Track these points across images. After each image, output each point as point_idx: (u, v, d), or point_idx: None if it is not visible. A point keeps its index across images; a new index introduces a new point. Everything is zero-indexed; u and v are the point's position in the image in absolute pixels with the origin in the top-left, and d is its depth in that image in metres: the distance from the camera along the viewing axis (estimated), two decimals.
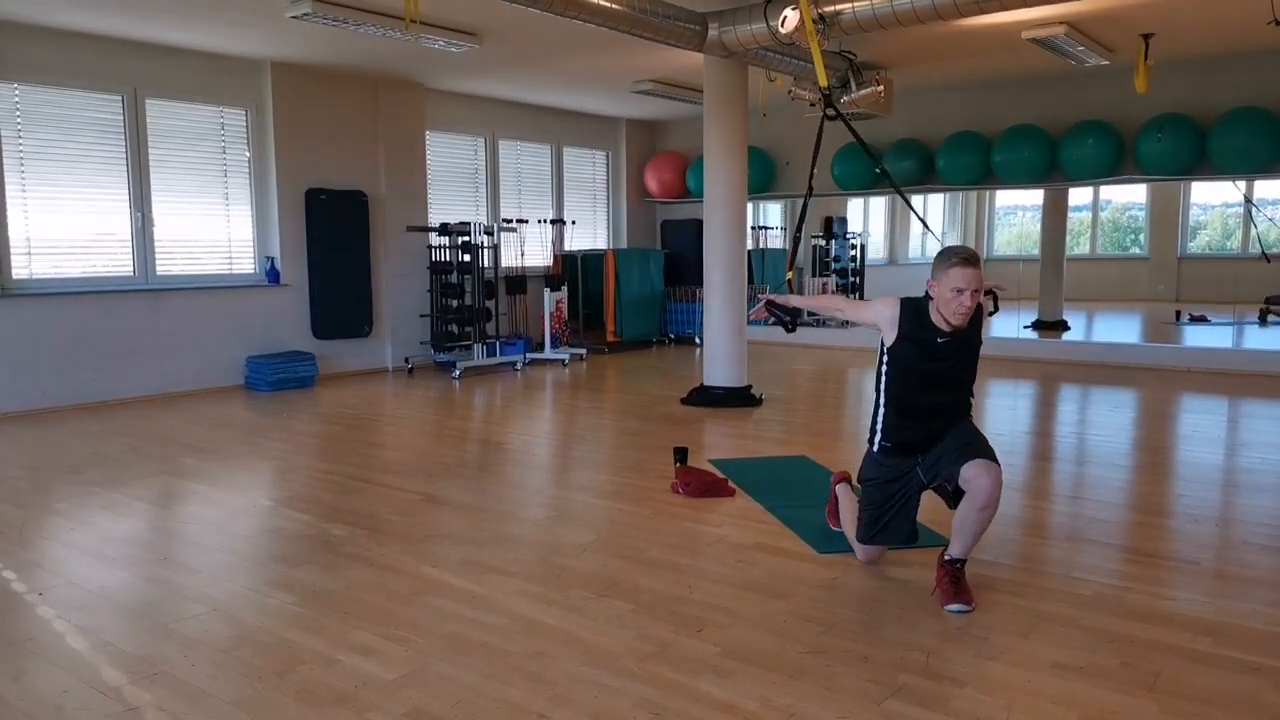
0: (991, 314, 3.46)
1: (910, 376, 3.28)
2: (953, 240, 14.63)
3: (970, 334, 3.24)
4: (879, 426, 3.37)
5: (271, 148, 8.12)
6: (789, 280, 4.12)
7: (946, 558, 3.18)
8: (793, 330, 3.88)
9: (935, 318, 3.19)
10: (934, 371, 3.25)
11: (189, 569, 3.54)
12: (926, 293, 3.22)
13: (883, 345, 3.34)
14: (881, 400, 3.36)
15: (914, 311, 3.24)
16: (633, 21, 5.87)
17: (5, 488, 4.75)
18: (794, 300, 3.89)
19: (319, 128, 8.42)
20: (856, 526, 3.45)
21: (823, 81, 5.64)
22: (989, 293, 3.40)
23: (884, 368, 3.34)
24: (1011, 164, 9.11)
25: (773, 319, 3.80)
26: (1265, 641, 2.79)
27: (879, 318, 3.32)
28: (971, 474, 3.08)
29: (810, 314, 11.45)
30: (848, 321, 3.59)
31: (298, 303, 8.39)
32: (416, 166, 9.23)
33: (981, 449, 3.16)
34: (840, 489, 3.82)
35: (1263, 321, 10.59)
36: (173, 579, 3.43)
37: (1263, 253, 10.73)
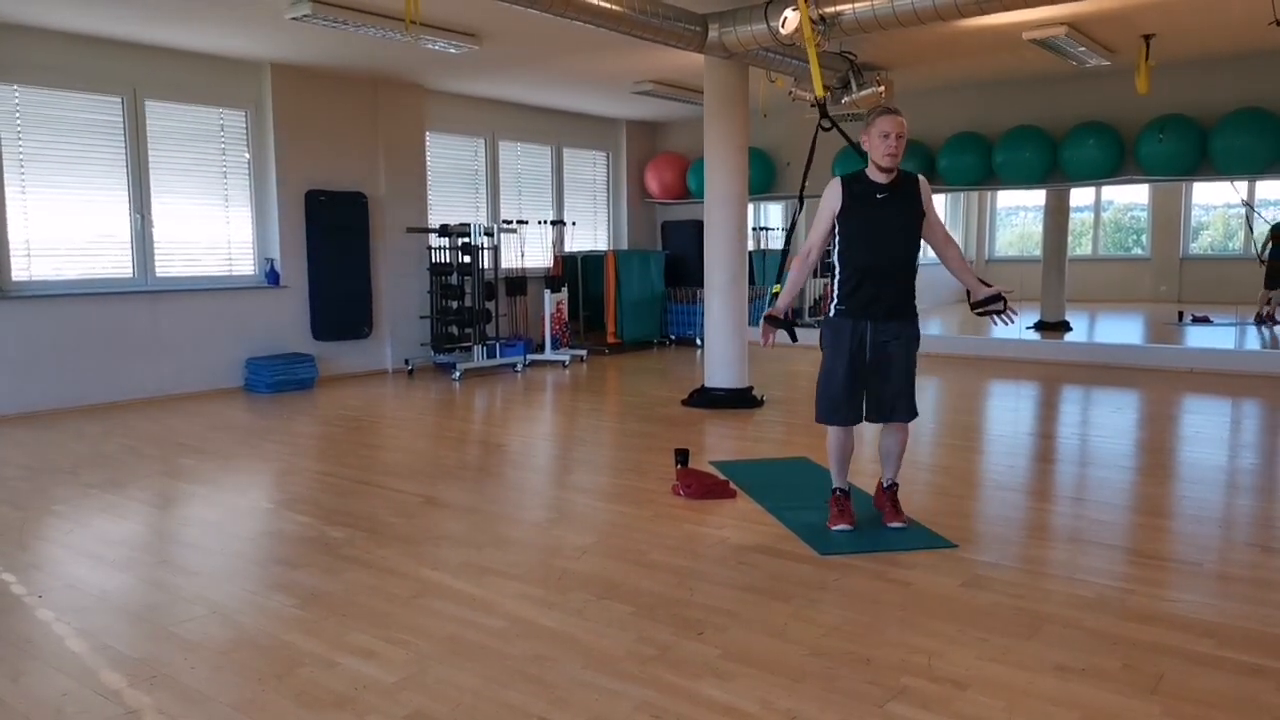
0: (1000, 311, 3.78)
1: (858, 233, 3.71)
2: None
3: (909, 197, 3.70)
4: (835, 294, 3.81)
5: (271, 149, 8.11)
6: (775, 292, 4.15)
7: (886, 483, 3.94)
8: (796, 339, 3.98)
9: (872, 174, 3.70)
10: (878, 224, 3.69)
11: (188, 571, 3.53)
12: (865, 153, 3.71)
13: (835, 221, 3.76)
14: (838, 269, 3.78)
15: (853, 178, 3.75)
16: (633, 23, 5.87)
17: (4, 489, 4.75)
18: (782, 305, 3.92)
19: (319, 129, 8.41)
20: (818, 408, 3.86)
21: (819, 91, 5.63)
22: (998, 298, 3.62)
23: (837, 240, 3.77)
24: (1013, 165, 9.11)
25: (777, 332, 3.84)
26: (1268, 643, 2.78)
27: (829, 203, 3.74)
28: (891, 427, 3.88)
29: (811, 315, 11.45)
30: (831, 249, 3.82)
31: (297, 304, 8.39)
32: (416, 168, 9.22)
33: (906, 404, 3.79)
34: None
35: (1270, 323, 10.57)
36: (172, 581, 3.42)
37: (1258, 255, 10.73)
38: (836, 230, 3.77)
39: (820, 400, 3.86)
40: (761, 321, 3.88)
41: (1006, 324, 3.83)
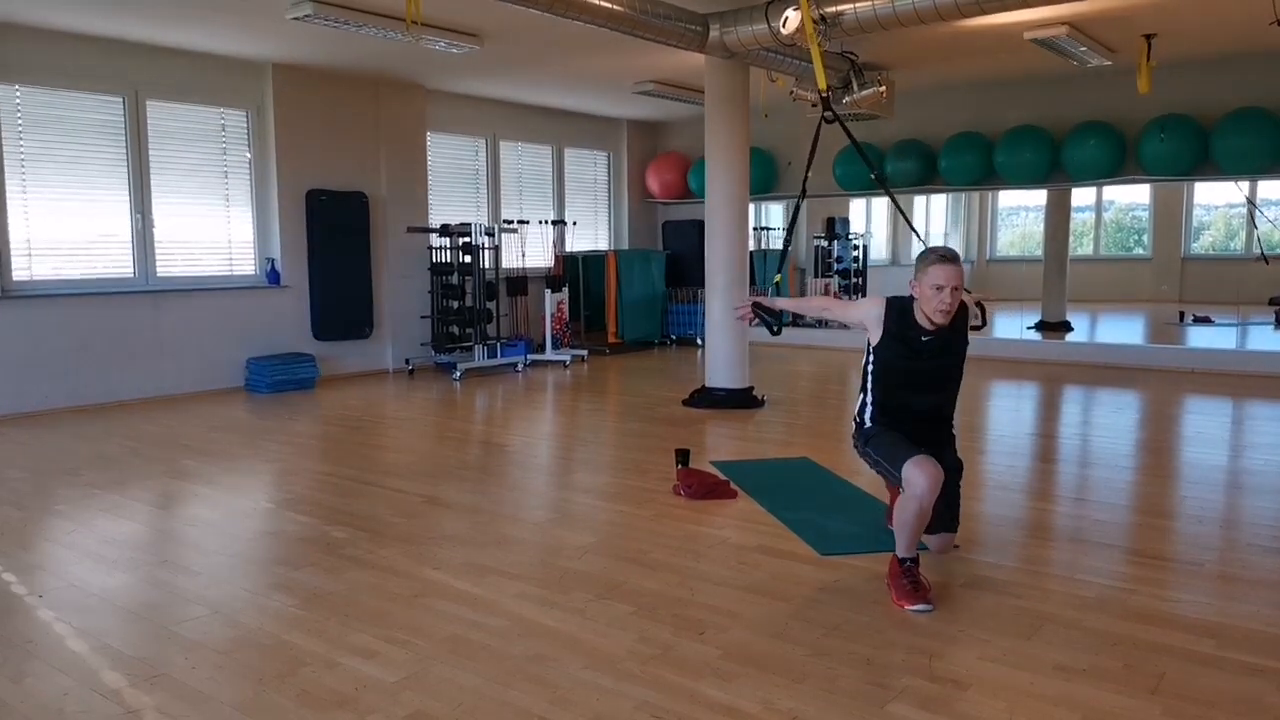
0: (977, 328, 3.48)
1: (894, 375, 3.36)
2: (955, 242, 14.63)
3: (954, 337, 3.32)
4: (867, 413, 3.45)
5: (272, 149, 8.12)
6: (776, 283, 4.13)
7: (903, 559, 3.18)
8: (777, 333, 3.88)
9: (919, 316, 3.27)
10: (918, 370, 3.33)
11: (189, 571, 3.53)
12: (913, 296, 3.28)
13: (869, 344, 3.41)
14: (868, 396, 3.44)
15: (899, 310, 3.31)
16: (634, 22, 5.87)
17: (6, 490, 4.75)
18: (780, 302, 3.88)
19: (320, 129, 8.42)
20: (906, 470, 3.14)
21: (822, 85, 5.62)
22: (976, 304, 3.46)
23: (869, 367, 3.43)
24: (1014, 164, 9.11)
25: (757, 320, 3.78)
26: (1269, 644, 2.78)
27: (865, 316, 3.39)
28: (936, 539, 3.47)
29: (801, 315, 11.45)
30: (838, 322, 3.60)
31: (298, 304, 8.39)
32: (417, 167, 9.22)
33: (952, 520, 3.45)
34: (895, 514, 3.41)
35: (1278, 324, 10.53)
36: (173, 581, 3.42)
37: (1261, 254, 10.71)
38: (869, 351, 3.42)
39: (897, 457, 3.23)
40: (750, 299, 3.80)
41: (975, 333, 3.49)
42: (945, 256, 3.19)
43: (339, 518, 4.20)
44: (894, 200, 5.37)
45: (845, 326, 3.50)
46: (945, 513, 3.36)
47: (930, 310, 3.21)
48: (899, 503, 3.24)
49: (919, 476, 3.09)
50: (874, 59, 8.00)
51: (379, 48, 7.40)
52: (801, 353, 10.19)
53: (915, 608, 3.04)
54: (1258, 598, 3.14)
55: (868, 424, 3.44)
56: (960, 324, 3.31)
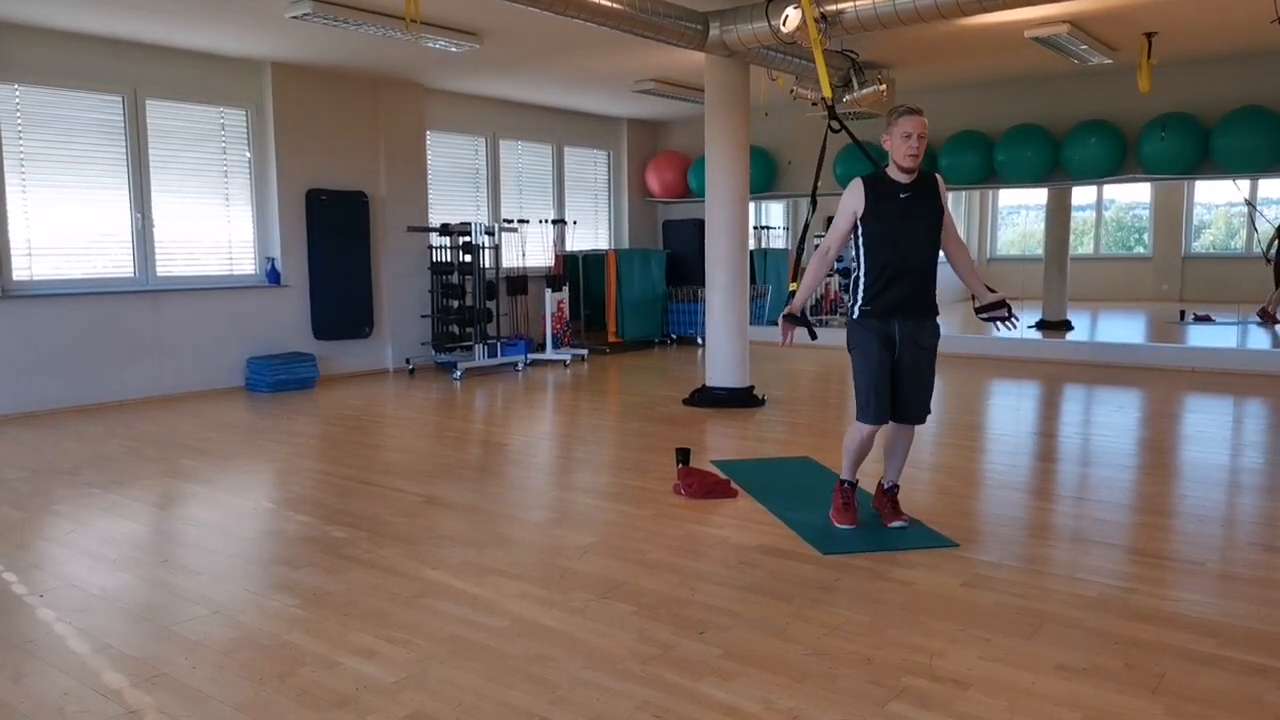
0: (1005, 317, 3.84)
1: (880, 235, 3.70)
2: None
3: (930, 197, 3.70)
4: (859, 295, 3.78)
5: (272, 148, 8.11)
6: (792, 290, 4.17)
7: (887, 485, 3.95)
8: (815, 336, 4.00)
9: (893, 173, 3.70)
10: (900, 225, 3.69)
11: (189, 571, 3.53)
12: (869, 154, 3.73)
13: (858, 223, 3.75)
14: (860, 270, 3.77)
15: (874, 178, 3.74)
16: (634, 21, 5.86)
17: (6, 490, 4.75)
18: (799, 303, 3.95)
19: (319, 128, 8.41)
20: (861, 408, 3.80)
21: (826, 93, 5.62)
22: (1002, 304, 3.67)
23: (859, 241, 3.77)
24: (1014, 163, 9.10)
25: (795, 330, 3.86)
26: (1270, 643, 2.77)
27: (851, 204, 3.75)
28: (904, 426, 3.89)
29: (813, 314, 11.44)
30: (852, 246, 3.84)
31: (298, 303, 8.39)
32: (417, 167, 9.22)
33: (924, 405, 3.82)
34: (847, 436, 4.03)
35: (1269, 321, 10.56)
36: (173, 581, 3.42)
37: (1264, 253, 10.71)
38: (859, 231, 3.75)
39: (865, 399, 3.79)
40: (780, 320, 3.91)
41: (1010, 329, 3.88)
42: (912, 110, 3.64)
43: (339, 517, 4.19)
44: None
45: (855, 246, 3.74)
46: (920, 400, 3.80)
47: (900, 156, 3.63)
48: (850, 430, 3.90)
49: (856, 431, 3.83)
50: (875, 57, 7.99)
51: (378, 47, 7.40)
52: (802, 352, 10.18)
53: (843, 526, 3.87)
54: (1259, 597, 3.14)
55: (855, 313, 3.80)
56: (932, 188, 3.71)
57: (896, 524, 3.86)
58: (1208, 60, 8.25)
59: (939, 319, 3.85)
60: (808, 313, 3.97)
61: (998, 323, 3.85)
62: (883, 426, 3.82)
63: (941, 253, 3.88)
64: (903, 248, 3.69)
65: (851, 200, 3.73)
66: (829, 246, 3.89)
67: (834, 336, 10.65)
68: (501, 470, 5.15)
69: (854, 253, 3.82)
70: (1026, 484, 4.71)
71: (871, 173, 3.76)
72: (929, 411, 3.86)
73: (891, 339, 3.73)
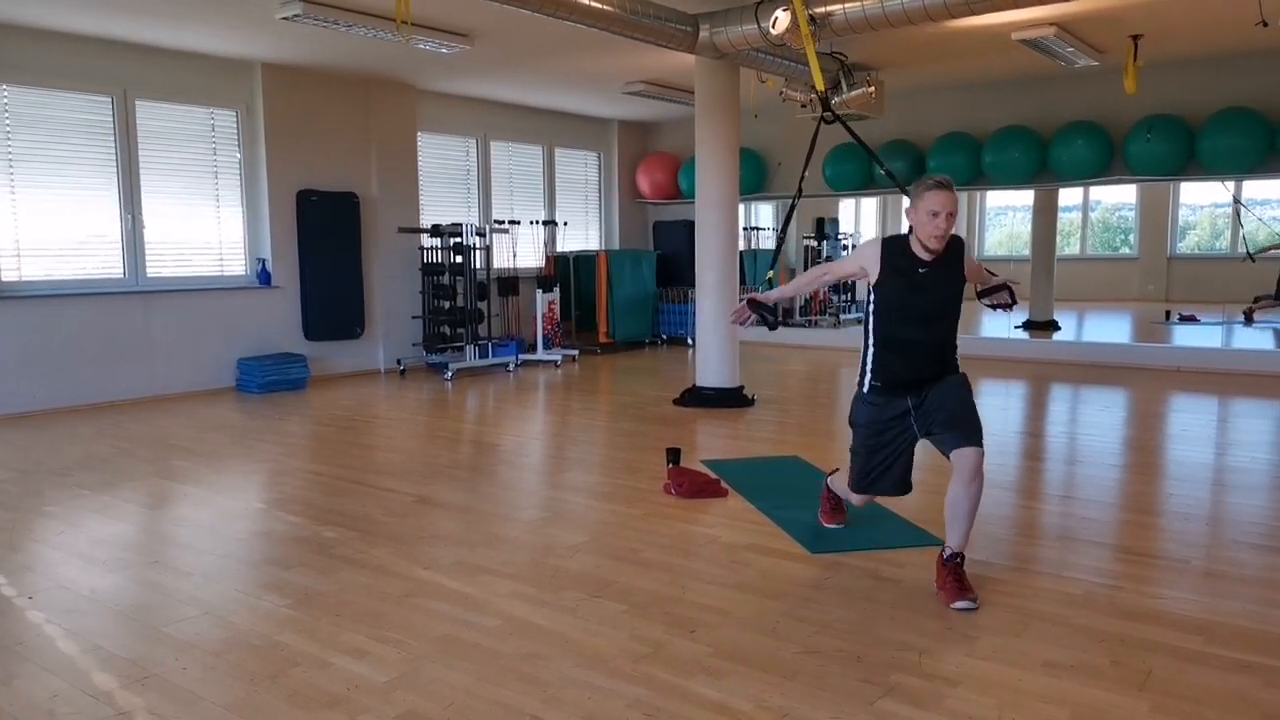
0: (1008, 305, 3.52)
1: (895, 309, 3.39)
2: None
3: (951, 270, 3.36)
4: (868, 367, 3.45)
5: (262, 149, 8.10)
6: (769, 279, 4.14)
7: (946, 554, 3.26)
8: (774, 328, 3.84)
9: (915, 247, 3.33)
10: (918, 302, 3.36)
11: (180, 572, 3.53)
12: (910, 228, 3.34)
13: (869, 287, 3.44)
14: (870, 341, 3.46)
15: (895, 246, 3.38)
16: (624, 23, 5.88)
17: None
18: (773, 295, 3.85)
19: (310, 129, 8.40)
20: (850, 475, 3.56)
21: (819, 85, 5.64)
22: (1004, 287, 3.49)
23: (871, 307, 3.45)
24: (1002, 165, 9.15)
25: (753, 319, 3.75)
26: (1255, 639, 2.80)
27: (864, 260, 3.44)
28: (957, 459, 3.27)
29: (802, 315, 11.48)
30: (842, 286, 3.66)
31: (289, 304, 8.37)
32: (408, 168, 9.21)
33: (969, 428, 3.28)
34: (832, 479, 3.91)
35: (1248, 321, 10.65)
36: (164, 582, 3.42)
37: (1247, 253, 10.79)
38: (871, 296, 3.45)
39: (854, 475, 3.55)
40: (745, 300, 3.74)
41: (1007, 313, 3.67)
42: (941, 184, 3.25)
43: (330, 518, 4.19)
44: (905, 192, 5.41)
45: (849, 290, 3.53)
46: (956, 429, 3.29)
47: (925, 236, 3.26)
48: (847, 475, 3.64)
49: (855, 500, 3.68)
50: (863, 59, 8.02)
51: (369, 47, 7.39)
52: (792, 352, 10.21)
53: (831, 525, 3.88)
54: (1244, 594, 3.17)
55: (865, 387, 3.47)
56: (955, 257, 3.36)
57: (961, 605, 3.11)
58: (1194, 62, 8.31)
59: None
60: (778, 310, 3.79)
61: (999, 307, 3.61)
62: (947, 492, 3.32)
63: None
64: (917, 325, 3.37)
65: (865, 260, 3.42)
66: (830, 273, 3.80)
67: (823, 337, 10.71)
68: (493, 470, 5.15)
69: (864, 319, 3.52)
70: (1014, 483, 4.74)
71: (894, 237, 3.41)
72: (979, 437, 3.28)
73: (905, 414, 3.40)
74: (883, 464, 3.45)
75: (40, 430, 6.31)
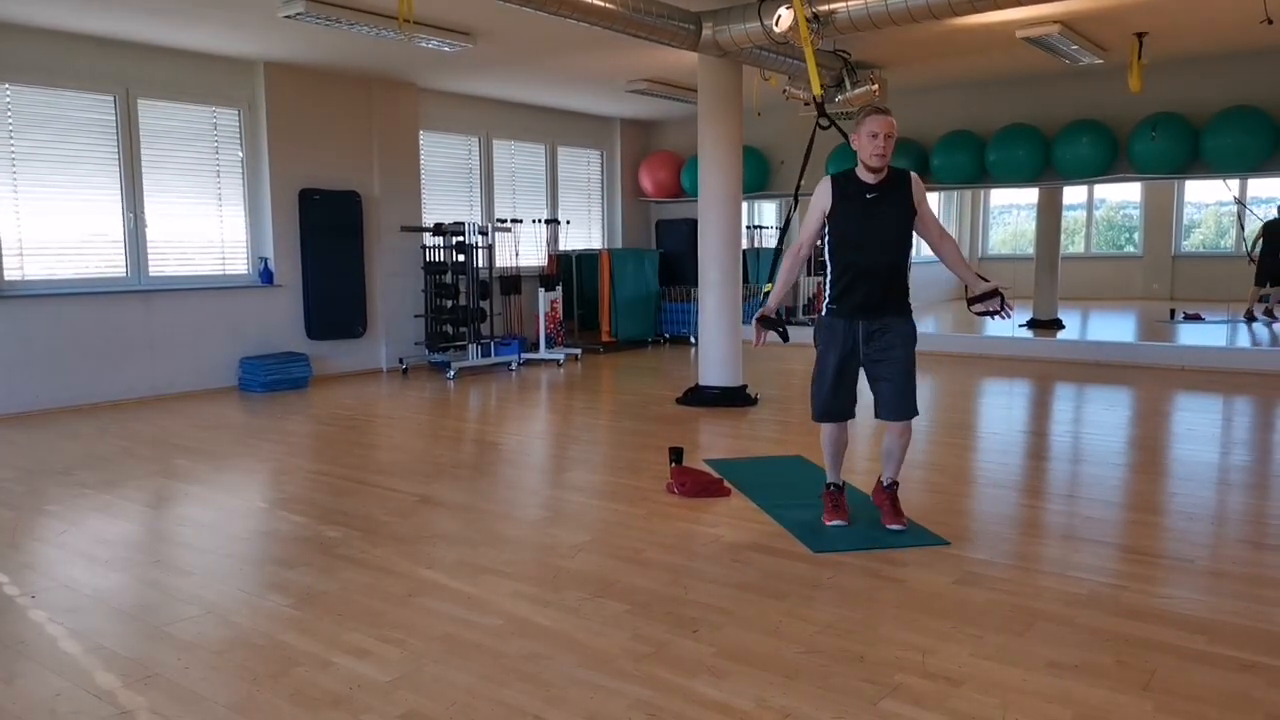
0: (999, 312, 3.72)
1: (848, 234, 3.70)
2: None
3: (898, 194, 3.67)
4: (827, 292, 3.81)
5: (265, 148, 8.10)
6: (766, 291, 4.18)
7: (886, 483, 3.89)
8: (787, 339, 3.95)
9: (861, 173, 3.69)
10: (867, 226, 3.68)
11: (183, 571, 3.53)
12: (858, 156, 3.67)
13: (824, 218, 3.76)
14: (828, 266, 3.78)
15: (842, 177, 3.74)
16: (627, 21, 5.87)
17: None
18: (772, 304, 3.92)
19: (312, 128, 8.40)
20: (813, 408, 3.90)
21: (816, 90, 5.63)
22: (995, 294, 3.60)
23: (826, 238, 3.77)
24: (1006, 163, 9.13)
25: (767, 336, 3.84)
26: (1259, 639, 2.80)
27: (820, 202, 3.74)
28: (891, 425, 3.81)
29: (805, 314, 11.46)
30: (822, 246, 3.83)
31: (291, 303, 8.37)
32: (410, 166, 9.21)
33: (904, 403, 3.74)
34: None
35: (1249, 320, 10.63)
36: (166, 581, 3.42)
37: (1248, 253, 10.77)
38: (826, 229, 3.76)
39: (814, 398, 3.90)
40: (754, 322, 3.90)
41: (1004, 319, 3.78)
42: (879, 109, 3.62)
43: (333, 517, 4.19)
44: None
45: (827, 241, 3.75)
46: (895, 401, 3.74)
47: (866, 156, 3.61)
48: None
49: (823, 430, 3.94)
50: (866, 57, 8.01)
51: (371, 46, 7.39)
52: (794, 351, 10.19)
53: (832, 523, 3.89)
54: (1248, 594, 3.16)
55: (824, 310, 3.83)
56: (903, 185, 3.68)
57: (894, 527, 3.81)
58: (1198, 60, 8.29)
59: (916, 320, 3.82)
60: (783, 314, 3.93)
61: (991, 315, 3.72)
62: (879, 426, 3.84)
63: (930, 250, 3.86)
64: (867, 249, 3.68)
65: (819, 198, 3.74)
66: (800, 244, 3.90)
67: None
68: (495, 469, 5.15)
69: (823, 250, 3.83)
70: (1018, 482, 4.73)
71: (841, 171, 3.76)
72: (914, 412, 3.77)
73: (855, 339, 3.74)
74: (835, 386, 3.80)
75: (43, 429, 6.31)
